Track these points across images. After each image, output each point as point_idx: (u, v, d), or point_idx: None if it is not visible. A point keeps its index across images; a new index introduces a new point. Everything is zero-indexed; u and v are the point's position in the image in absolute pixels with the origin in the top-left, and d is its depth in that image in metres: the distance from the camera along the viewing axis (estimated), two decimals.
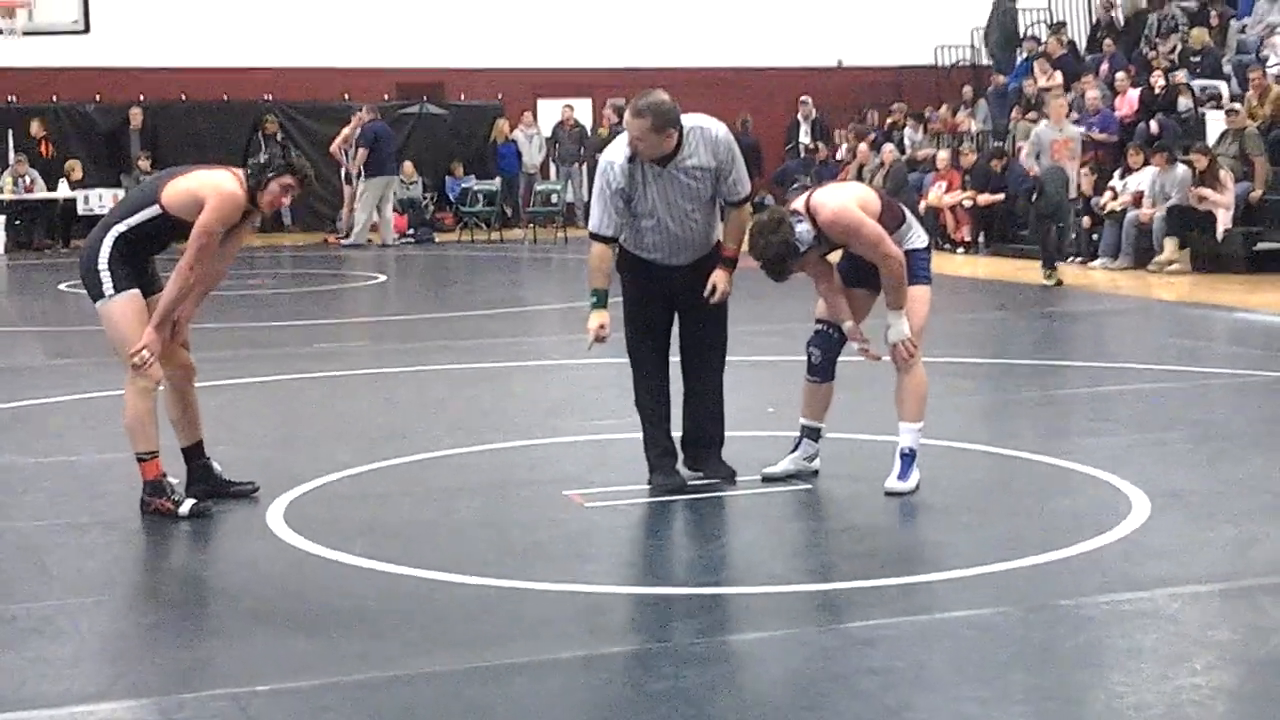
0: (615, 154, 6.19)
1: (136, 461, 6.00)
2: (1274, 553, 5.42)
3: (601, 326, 6.23)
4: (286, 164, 5.97)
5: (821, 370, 6.38)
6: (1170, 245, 15.61)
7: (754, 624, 4.64)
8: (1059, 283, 14.45)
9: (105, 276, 5.89)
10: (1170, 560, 5.27)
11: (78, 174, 21.31)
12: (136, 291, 5.93)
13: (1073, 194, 15.23)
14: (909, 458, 6.20)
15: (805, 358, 6.43)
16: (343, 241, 20.97)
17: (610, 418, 7.85)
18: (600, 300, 6.25)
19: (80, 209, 20.99)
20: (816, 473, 6.46)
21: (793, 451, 6.46)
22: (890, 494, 6.13)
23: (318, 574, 5.20)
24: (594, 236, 6.26)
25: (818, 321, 6.42)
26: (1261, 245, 15.64)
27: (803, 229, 6.06)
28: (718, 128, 6.24)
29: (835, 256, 6.42)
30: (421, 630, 4.65)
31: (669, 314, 6.42)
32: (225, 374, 9.48)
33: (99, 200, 21.04)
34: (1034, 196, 15.07)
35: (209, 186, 5.85)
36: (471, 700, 4.07)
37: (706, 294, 6.25)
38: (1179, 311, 12.80)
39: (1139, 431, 7.55)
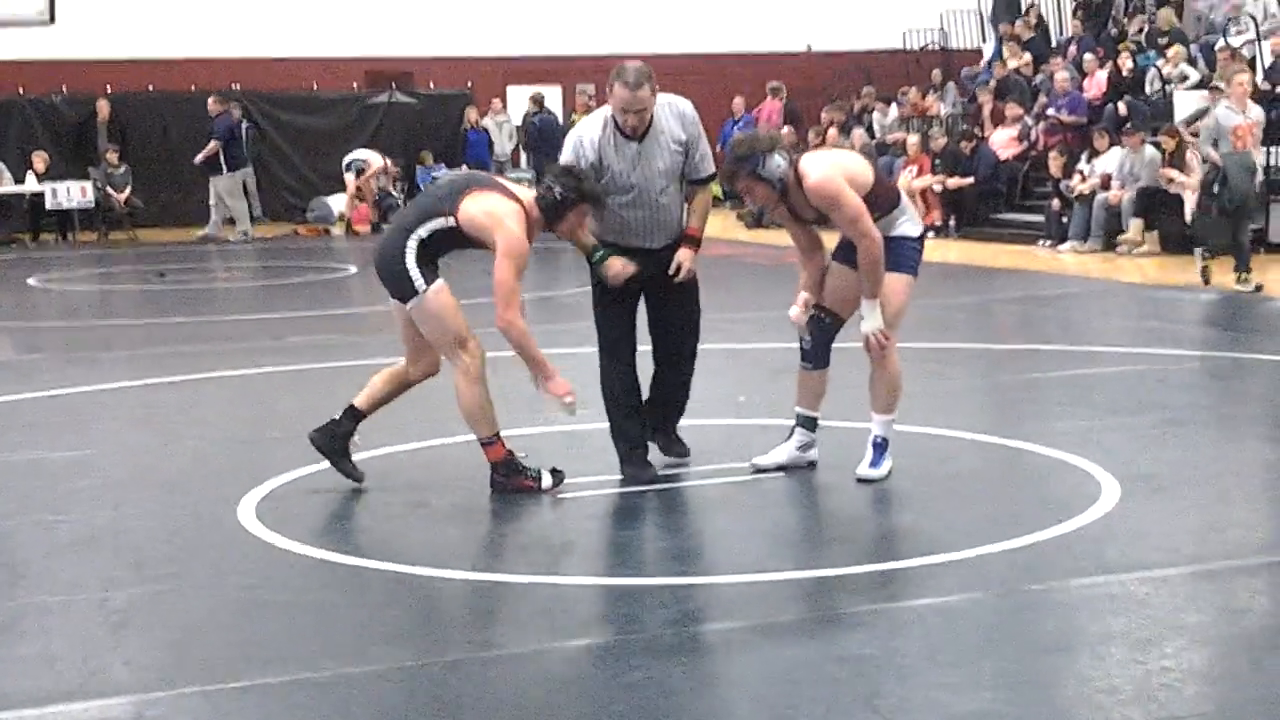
0: (586, 129, 6.25)
1: (481, 447, 6.04)
2: (1243, 535, 5.46)
3: (625, 266, 6.24)
4: (581, 193, 5.98)
5: (813, 356, 6.29)
6: (1136, 226, 15.68)
7: (726, 613, 4.65)
8: (1258, 287, 12.37)
9: (415, 274, 5.99)
10: (1140, 543, 5.30)
11: (41, 166, 21.15)
12: (444, 282, 6.05)
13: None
14: (881, 446, 6.19)
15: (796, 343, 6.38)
16: (230, 237, 20.64)
17: (581, 409, 7.84)
18: (601, 255, 6.28)
19: (49, 203, 20.85)
20: (813, 464, 6.38)
21: (785, 440, 6.40)
22: (861, 481, 6.14)
23: (289, 569, 5.19)
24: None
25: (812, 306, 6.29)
26: None
27: (778, 161, 5.92)
28: (684, 103, 6.34)
29: (833, 241, 6.29)
30: (393, 624, 4.65)
31: (637, 303, 6.46)
32: (196, 368, 9.45)
33: (67, 194, 20.93)
34: (1215, 188, 12.55)
35: (505, 232, 5.88)
36: (444, 694, 4.07)
37: (671, 272, 6.31)
38: (1148, 294, 12.86)
39: (1108, 415, 7.58)
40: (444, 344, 6.09)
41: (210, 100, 20.98)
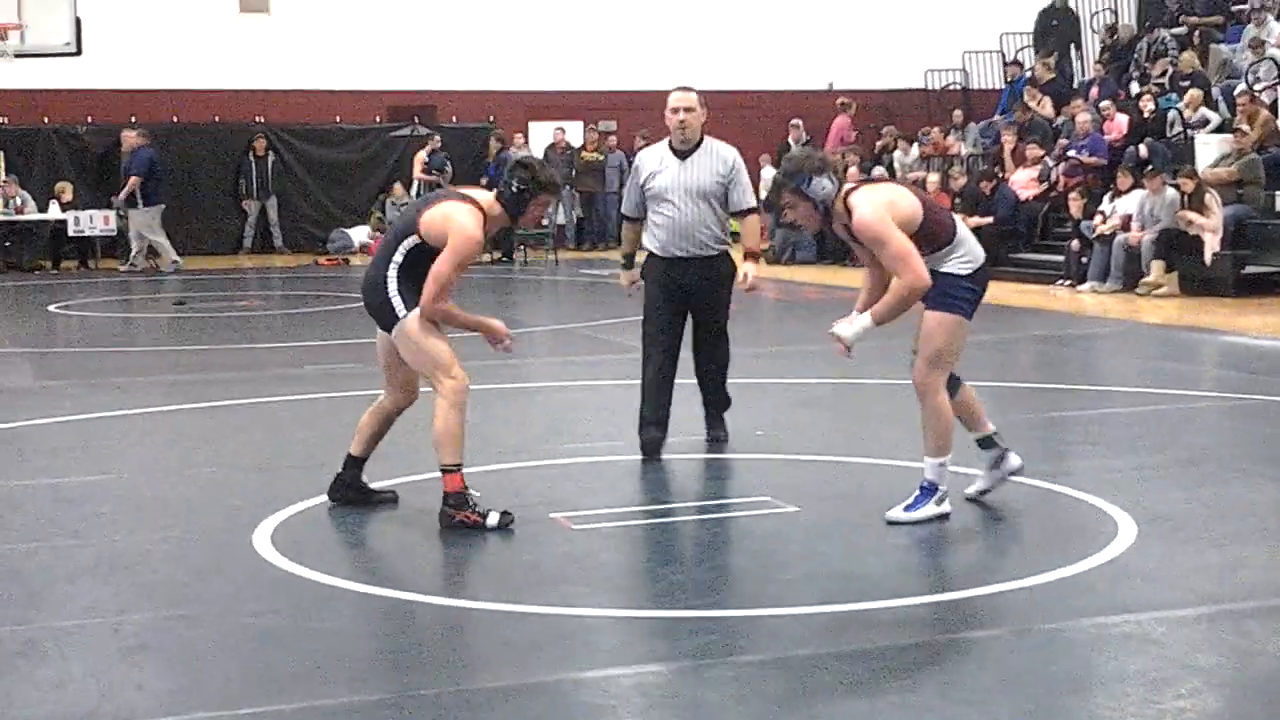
0: (645, 154, 7.63)
1: (441, 473, 6.06)
2: (1260, 577, 5.43)
3: (632, 282, 7.84)
4: (541, 184, 6.14)
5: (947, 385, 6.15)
6: (1157, 268, 15.66)
7: (740, 647, 4.64)
8: None
9: (397, 301, 6.09)
10: (1157, 584, 5.27)
11: (69, 196, 21.31)
12: None
13: None
14: (927, 490, 6.05)
15: None
16: (161, 268, 20.65)
17: (599, 441, 7.85)
18: (627, 263, 7.88)
19: (71, 230, 21.01)
20: (1020, 468, 6.38)
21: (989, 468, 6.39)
22: (890, 522, 6.03)
23: (303, 596, 5.19)
24: (624, 218, 7.81)
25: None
26: (1249, 269, 15.70)
27: (824, 184, 5.87)
28: (730, 149, 7.55)
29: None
30: (406, 653, 4.64)
31: (682, 317, 7.55)
32: (215, 395, 9.48)
33: (89, 222, 21.10)
34: None
35: (454, 226, 6.01)
36: None
37: (738, 282, 7.51)
38: (1167, 335, 12.83)
39: (1126, 455, 7.56)
40: (426, 368, 6.11)
41: (127, 134, 21.03)
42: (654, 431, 7.38)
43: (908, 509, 6.05)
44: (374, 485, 6.47)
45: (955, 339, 6.04)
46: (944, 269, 5.98)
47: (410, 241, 6.12)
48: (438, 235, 6.04)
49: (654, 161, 7.48)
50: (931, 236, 5.96)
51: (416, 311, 6.06)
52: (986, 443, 6.33)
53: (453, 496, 6.05)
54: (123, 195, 20.60)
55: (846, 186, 6.00)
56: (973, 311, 6.10)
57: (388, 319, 6.12)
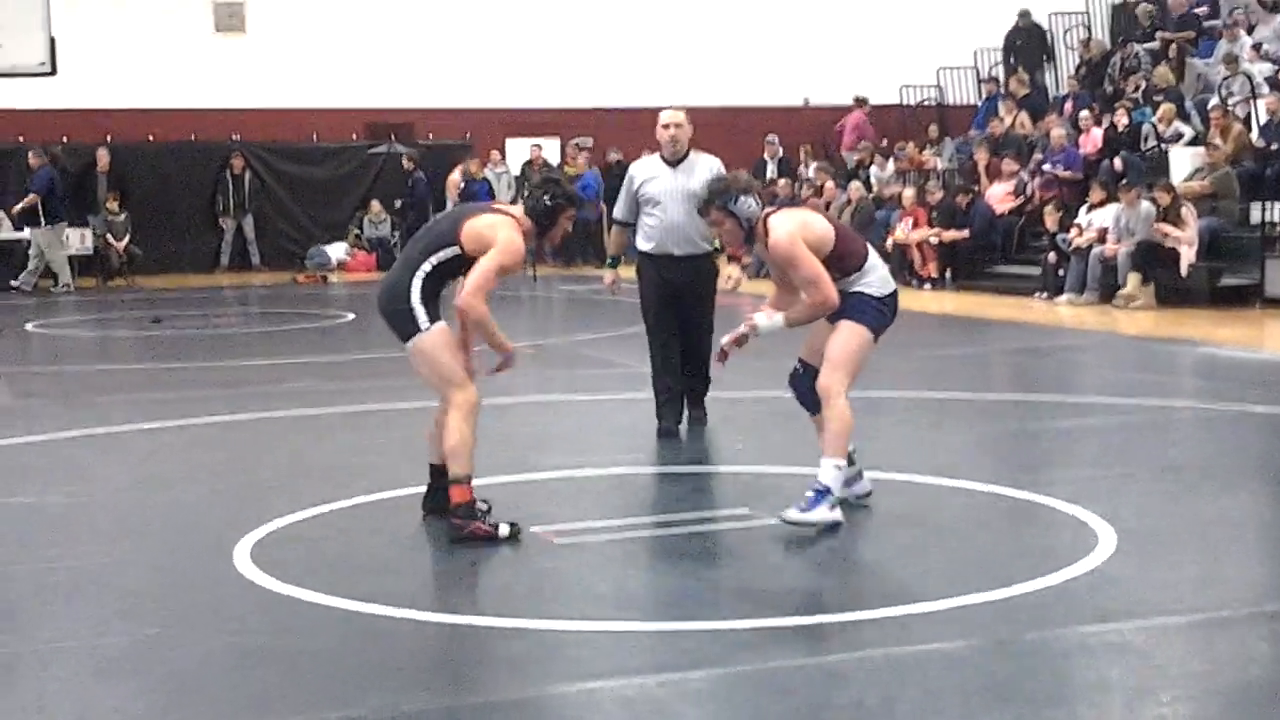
0: (638, 165, 8.60)
1: (451, 484, 6.03)
2: (1239, 585, 5.45)
3: (614, 280, 8.77)
4: (570, 198, 6.27)
5: (807, 404, 6.43)
6: (1133, 280, 15.73)
7: (723, 659, 4.63)
8: None
9: (420, 312, 6.07)
10: (1136, 593, 5.29)
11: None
12: (444, 323, 6.13)
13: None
14: (820, 494, 6.10)
15: None
16: (50, 288, 20.41)
17: (580, 455, 7.85)
18: (613, 263, 8.88)
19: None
20: (869, 493, 6.47)
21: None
22: (785, 521, 6.07)
23: (285, 613, 5.17)
24: (614, 221, 8.74)
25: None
26: (1225, 281, 15.78)
27: (750, 203, 6.18)
28: (714, 159, 8.47)
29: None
30: (390, 670, 4.63)
31: (673, 310, 8.45)
32: (194, 412, 9.45)
33: (66, 241, 21.03)
34: None
35: (502, 235, 6.05)
36: None
37: (722, 282, 8.26)
38: (1144, 346, 12.88)
39: (1105, 465, 7.58)
40: (438, 383, 6.13)
41: (30, 154, 20.93)
42: (673, 407, 8.41)
43: (803, 510, 6.09)
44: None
45: (864, 350, 6.27)
46: (855, 289, 6.24)
47: (447, 253, 6.10)
48: (482, 244, 6.06)
49: (647, 170, 8.42)
50: (841, 261, 6.22)
51: (439, 326, 6.06)
52: (849, 458, 6.34)
53: (462, 508, 6.04)
54: (16, 210, 20.59)
55: (767, 210, 6.29)
56: (879, 332, 6.29)
57: (407, 329, 6.10)
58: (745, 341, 6.37)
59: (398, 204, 23.11)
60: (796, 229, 6.17)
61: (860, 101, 23.96)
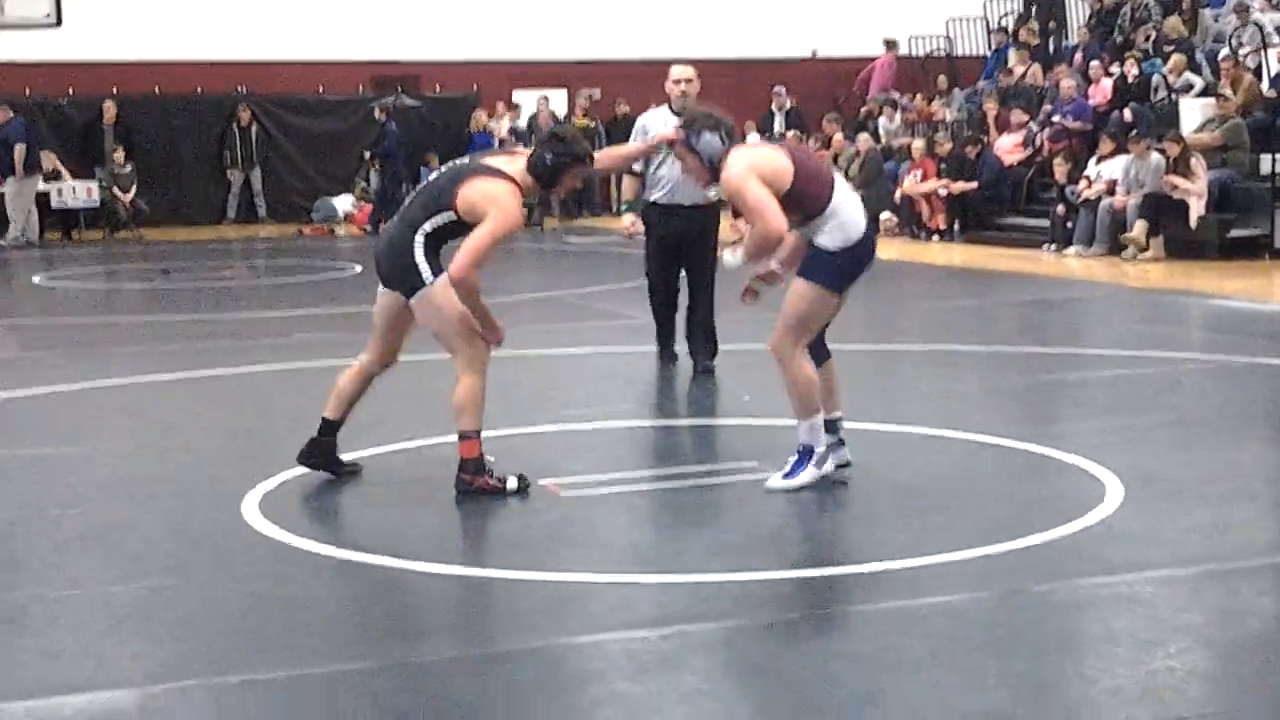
0: (649, 116, 8.91)
1: (458, 439, 6.03)
2: (1247, 536, 5.45)
3: (632, 223, 9.02)
4: (576, 155, 6.13)
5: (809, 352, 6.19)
6: (1140, 226, 15.66)
7: (729, 611, 4.64)
8: None
9: (424, 267, 6.03)
10: (1144, 545, 5.29)
11: (51, 167, 21.16)
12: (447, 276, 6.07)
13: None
14: (804, 455, 6.05)
15: None
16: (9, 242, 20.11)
17: (586, 407, 7.85)
18: (629, 207, 9.21)
19: (54, 202, 20.93)
20: (848, 464, 6.27)
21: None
22: (770, 491, 6.01)
23: (292, 565, 5.19)
24: (629, 171, 8.96)
25: None
26: (1234, 232, 15.72)
27: (714, 141, 6.02)
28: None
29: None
30: (397, 621, 4.65)
31: (677, 261, 8.90)
32: (202, 365, 9.46)
33: (72, 193, 21.01)
34: None
35: (497, 205, 5.95)
36: (447, 691, 4.07)
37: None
38: (1153, 298, 12.85)
39: (1113, 417, 7.57)
40: (450, 335, 6.08)
41: None
42: (667, 342, 9.05)
43: (786, 476, 6.03)
44: (345, 457, 6.43)
45: (815, 309, 6.05)
46: (815, 240, 6.03)
47: (443, 218, 6.03)
48: (477, 214, 5.97)
49: (659, 122, 8.44)
50: (800, 203, 5.99)
51: (444, 278, 6.01)
52: (830, 427, 6.23)
53: (470, 462, 6.04)
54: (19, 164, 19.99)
55: (733, 147, 6.08)
56: (842, 286, 6.07)
57: (411, 283, 6.05)
58: (775, 280, 6.14)
59: (367, 155, 22.86)
60: (748, 163, 5.99)
61: (890, 44, 23.83)
